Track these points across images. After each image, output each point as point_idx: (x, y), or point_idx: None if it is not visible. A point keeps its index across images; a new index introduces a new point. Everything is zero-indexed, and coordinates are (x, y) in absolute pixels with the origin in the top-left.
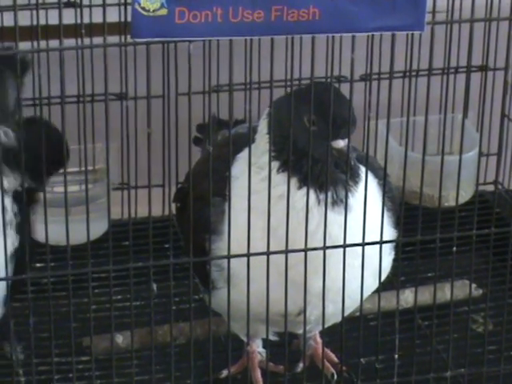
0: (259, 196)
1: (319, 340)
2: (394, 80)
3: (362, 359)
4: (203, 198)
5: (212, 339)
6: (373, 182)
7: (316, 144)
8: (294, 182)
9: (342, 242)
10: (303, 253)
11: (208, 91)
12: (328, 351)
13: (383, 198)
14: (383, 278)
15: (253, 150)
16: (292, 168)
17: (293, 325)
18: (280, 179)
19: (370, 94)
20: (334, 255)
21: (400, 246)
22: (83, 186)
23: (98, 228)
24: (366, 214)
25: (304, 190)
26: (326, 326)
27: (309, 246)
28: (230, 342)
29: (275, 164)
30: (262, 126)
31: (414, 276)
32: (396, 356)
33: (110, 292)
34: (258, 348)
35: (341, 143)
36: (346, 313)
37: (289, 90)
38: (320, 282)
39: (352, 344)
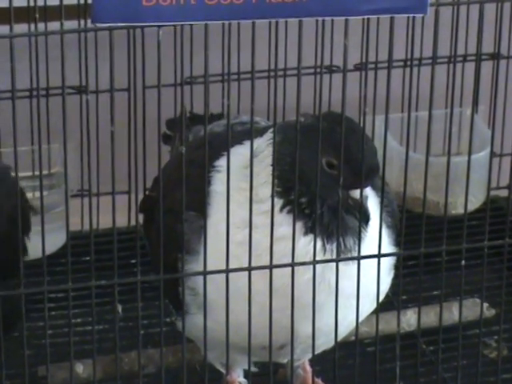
0: (257, 231)
1: (309, 369)
2: (392, 70)
3: None
4: (174, 211)
5: (186, 368)
6: (373, 198)
7: (331, 190)
8: (299, 225)
9: (346, 294)
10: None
11: (180, 83)
12: (319, 381)
13: (381, 212)
14: (381, 299)
15: (254, 177)
16: (300, 211)
17: (276, 356)
18: (283, 219)
19: (366, 85)
20: (330, 303)
21: (401, 260)
22: (37, 194)
23: (55, 241)
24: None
25: (310, 236)
26: (315, 352)
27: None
28: (206, 371)
29: (279, 201)
30: (265, 154)
31: (417, 294)
32: None
33: (69, 314)
34: (238, 378)
35: (359, 193)
36: (339, 338)
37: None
38: (310, 327)
39: (347, 373)
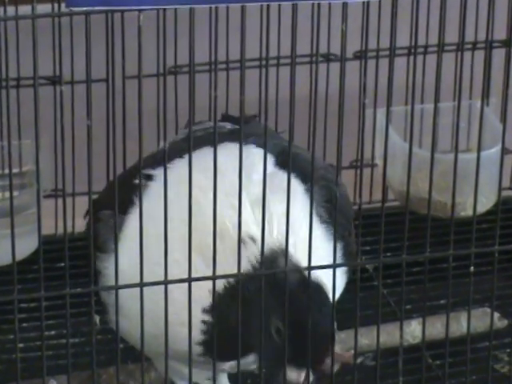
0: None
1: None
2: (395, 58)
3: None
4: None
5: None
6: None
7: (273, 359)
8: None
9: None
10: None
11: (163, 73)
12: None
13: (335, 221)
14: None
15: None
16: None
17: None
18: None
19: (366, 75)
20: None
21: (404, 267)
22: (7, 194)
23: (26, 246)
24: None
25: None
26: None
27: None
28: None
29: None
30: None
31: (422, 303)
32: None
33: (42, 326)
34: None
35: (301, 376)
36: None
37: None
38: None
39: None
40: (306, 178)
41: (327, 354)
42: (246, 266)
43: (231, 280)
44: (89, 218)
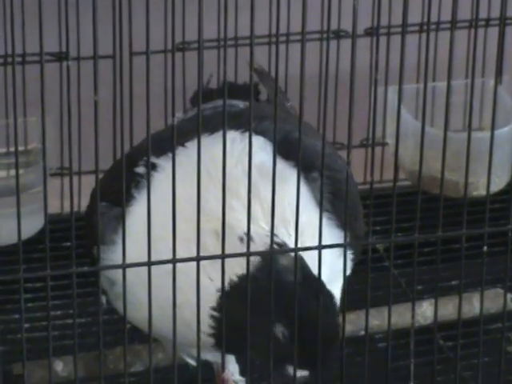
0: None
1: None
2: (407, 35)
3: None
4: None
5: (177, 366)
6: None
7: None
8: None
9: None
10: None
11: (171, 50)
12: None
13: (321, 201)
14: (339, 284)
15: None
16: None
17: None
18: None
19: (378, 52)
20: None
21: (416, 247)
22: (12, 172)
23: (32, 225)
24: None
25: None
26: None
27: None
28: (199, 369)
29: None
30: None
31: (433, 284)
32: None
33: (48, 305)
34: (232, 376)
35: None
36: None
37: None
38: None
39: (355, 371)
40: (307, 166)
41: (329, 356)
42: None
43: (236, 278)
44: (93, 193)
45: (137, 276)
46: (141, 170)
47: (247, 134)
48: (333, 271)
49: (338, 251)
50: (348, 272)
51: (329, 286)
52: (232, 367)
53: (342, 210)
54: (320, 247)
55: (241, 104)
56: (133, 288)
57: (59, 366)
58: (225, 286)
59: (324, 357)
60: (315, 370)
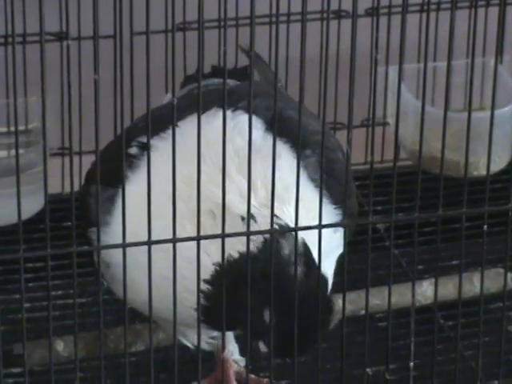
0: None
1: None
2: (408, 15)
3: (368, 369)
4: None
5: (178, 346)
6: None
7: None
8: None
9: None
10: None
11: (171, 30)
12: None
13: (321, 181)
14: (334, 258)
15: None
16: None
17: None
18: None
19: (378, 31)
20: None
21: (416, 226)
22: (12, 152)
23: (32, 204)
24: None
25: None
26: None
27: None
28: (199, 348)
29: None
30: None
31: (434, 264)
32: (411, 365)
33: (48, 285)
34: (232, 356)
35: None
36: None
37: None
38: None
39: (356, 351)
40: (298, 144)
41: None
42: (239, 246)
43: (231, 256)
44: (87, 176)
45: (132, 258)
46: (134, 150)
47: (238, 113)
48: (330, 247)
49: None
50: (341, 249)
51: (324, 262)
52: (232, 347)
53: (335, 188)
54: (320, 226)
55: (231, 82)
56: (130, 271)
57: (60, 346)
58: (223, 263)
59: (310, 338)
60: (289, 357)
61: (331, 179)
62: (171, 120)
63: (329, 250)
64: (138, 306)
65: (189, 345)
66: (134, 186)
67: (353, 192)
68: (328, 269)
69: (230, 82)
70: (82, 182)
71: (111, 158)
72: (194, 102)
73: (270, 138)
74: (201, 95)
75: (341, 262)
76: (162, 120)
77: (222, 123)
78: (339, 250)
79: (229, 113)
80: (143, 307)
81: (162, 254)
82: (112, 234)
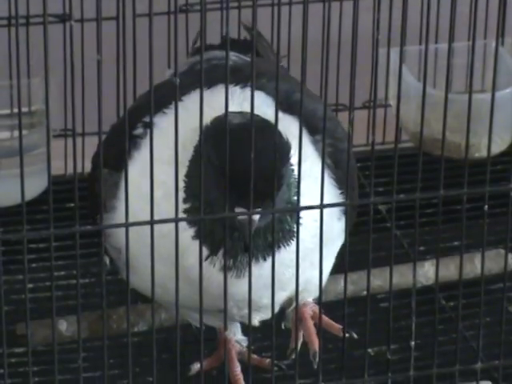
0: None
1: (307, 316)
2: None
3: (370, 349)
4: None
5: (180, 326)
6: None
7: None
8: (191, 230)
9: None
10: None
11: (174, 11)
12: (326, 319)
13: (323, 161)
14: (336, 248)
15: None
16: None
17: (234, 317)
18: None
19: (379, 12)
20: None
21: (417, 207)
22: (16, 133)
23: (35, 185)
24: None
25: (196, 243)
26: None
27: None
28: (202, 328)
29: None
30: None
31: (435, 244)
32: (412, 345)
33: (51, 265)
34: (234, 336)
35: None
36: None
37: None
38: (242, 288)
39: (357, 331)
40: (312, 129)
41: (268, 191)
42: None
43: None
44: (93, 160)
45: (137, 242)
46: (139, 131)
47: (247, 89)
48: (332, 232)
49: (338, 213)
50: (342, 240)
51: (327, 246)
52: (234, 327)
53: (342, 178)
54: (322, 206)
55: (234, 57)
56: (137, 256)
57: (63, 326)
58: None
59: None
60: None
61: (338, 170)
62: (174, 98)
63: (330, 235)
64: (146, 291)
65: (196, 324)
66: (139, 164)
67: (356, 185)
68: (325, 259)
69: (233, 57)
70: (85, 164)
71: (117, 142)
72: (199, 76)
73: (285, 116)
74: (206, 70)
75: (343, 243)
76: (166, 97)
77: (225, 99)
78: (340, 239)
79: (237, 88)
80: (150, 291)
81: (158, 232)
82: (118, 218)
